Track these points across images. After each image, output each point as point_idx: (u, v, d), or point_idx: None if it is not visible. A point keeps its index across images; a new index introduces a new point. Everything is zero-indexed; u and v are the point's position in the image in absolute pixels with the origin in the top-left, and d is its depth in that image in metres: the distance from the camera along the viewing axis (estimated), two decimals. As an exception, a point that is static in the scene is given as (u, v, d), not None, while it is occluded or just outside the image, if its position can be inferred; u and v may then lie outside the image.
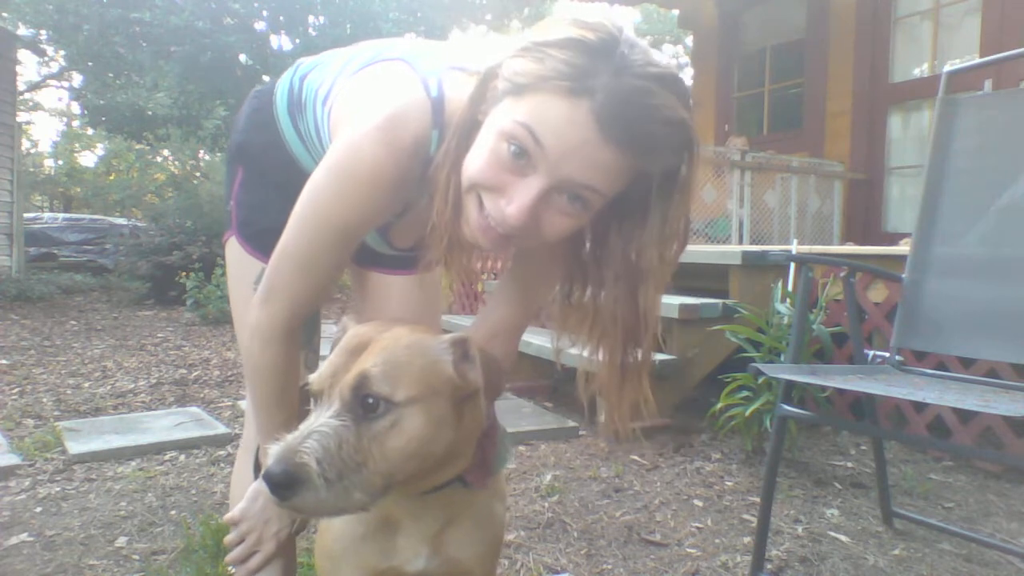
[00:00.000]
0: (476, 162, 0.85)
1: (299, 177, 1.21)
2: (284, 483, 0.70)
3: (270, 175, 1.22)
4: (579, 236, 0.95)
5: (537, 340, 3.22)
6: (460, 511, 0.96)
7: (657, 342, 0.97)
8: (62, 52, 11.59)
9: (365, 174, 0.90)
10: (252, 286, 1.20)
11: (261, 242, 1.20)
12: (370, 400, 0.77)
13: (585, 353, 0.97)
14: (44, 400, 3.47)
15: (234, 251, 1.23)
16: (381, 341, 0.82)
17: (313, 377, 0.81)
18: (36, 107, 22.14)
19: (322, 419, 0.74)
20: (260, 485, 1.10)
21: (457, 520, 0.96)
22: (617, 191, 0.85)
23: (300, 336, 1.07)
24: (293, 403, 1.09)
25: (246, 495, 1.13)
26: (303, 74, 1.15)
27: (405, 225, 1.09)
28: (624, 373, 0.96)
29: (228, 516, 1.14)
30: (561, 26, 0.81)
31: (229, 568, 1.14)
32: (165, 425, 2.97)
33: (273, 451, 0.73)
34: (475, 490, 0.95)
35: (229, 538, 1.13)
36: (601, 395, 0.99)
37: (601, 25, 0.80)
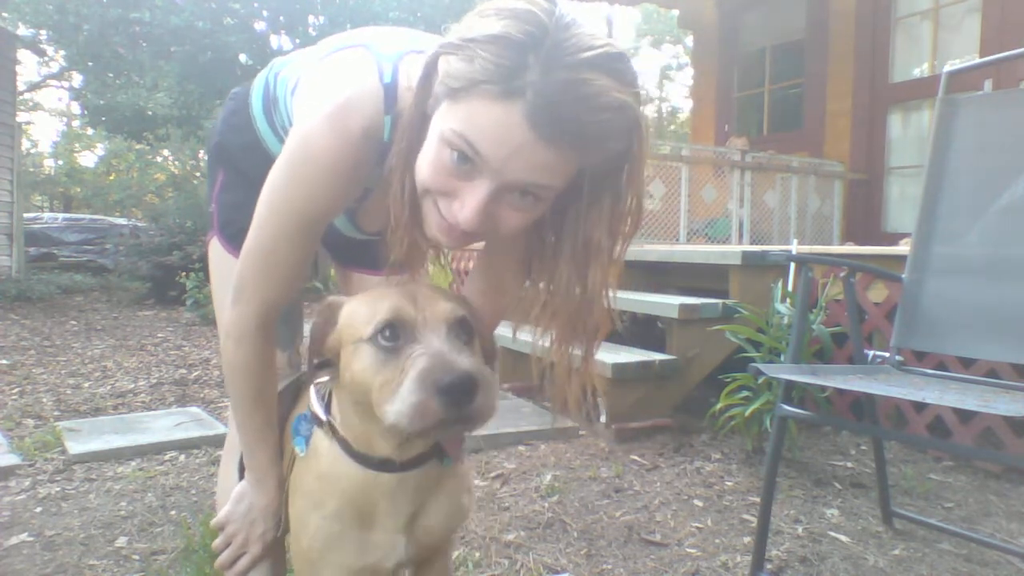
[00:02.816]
0: (424, 169, 0.85)
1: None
2: (468, 386, 0.72)
3: (250, 175, 1.22)
4: (539, 223, 0.95)
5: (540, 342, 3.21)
6: (431, 496, 0.96)
7: (610, 324, 0.97)
8: (62, 52, 11.58)
9: (317, 162, 0.90)
10: None
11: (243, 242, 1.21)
12: (464, 330, 0.83)
13: (537, 336, 0.98)
14: (44, 400, 3.47)
15: (217, 252, 1.23)
16: (428, 289, 0.87)
17: (393, 311, 0.81)
18: (36, 107, 22.16)
19: (438, 342, 0.77)
20: (244, 487, 1.11)
21: (427, 508, 0.96)
22: (567, 181, 0.84)
23: (275, 335, 1.06)
24: (271, 403, 1.08)
25: (231, 498, 1.12)
26: (277, 71, 1.16)
27: (370, 209, 1.09)
28: (572, 356, 0.97)
29: (214, 520, 1.14)
30: (489, 20, 0.78)
31: (222, 572, 1.15)
32: (165, 425, 2.97)
33: (433, 366, 0.74)
34: (450, 466, 0.96)
35: (216, 543, 1.13)
36: (551, 377, 0.99)
37: (530, 14, 0.76)
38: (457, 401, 0.73)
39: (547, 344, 0.97)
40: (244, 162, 1.21)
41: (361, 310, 0.84)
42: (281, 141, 1.15)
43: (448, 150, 0.81)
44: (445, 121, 0.81)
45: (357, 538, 0.92)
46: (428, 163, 0.84)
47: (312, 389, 0.99)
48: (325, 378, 0.97)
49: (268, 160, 1.18)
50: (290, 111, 1.08)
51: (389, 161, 0.90)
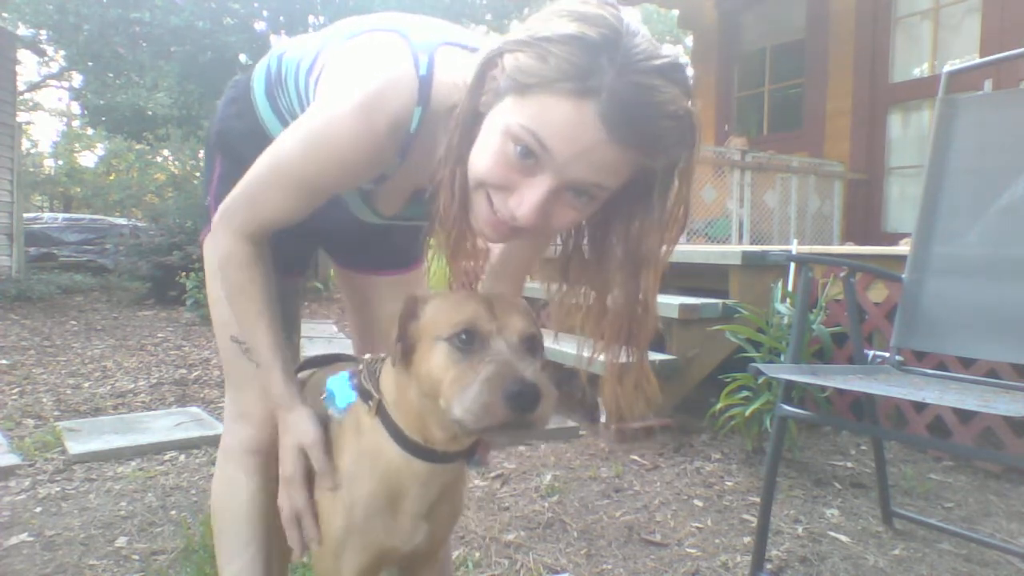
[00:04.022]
0: (483, 161, 0.85)
1: None
2: (532, 395, 0.78)
3: (249, 166, 1.21)
4: (577, 228, 0.96)
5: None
6: (447, 489, 0.99)
7: (657, 329, 0.98)
8: (62, 52, 11.59)
9: (338, 149, 0.90)
10: None
11: None
12: (533, 345, 0.89)
13: (586, 347, 0.98)
14: (44, 400, 3.46)
15: (212, 250, 1.21)
16: (506, 301, 0.92)
17: (471, 318, 0.86)
18: (36, 107, 22.17)
19: (509, 352, 0.83)
20: (287, 438, 1.03)
21: (442, 498, 0.99)
22: (622, 184, 0.85)
23: (266, 256, 1.05)
24: (276, 322, 1.06)
25: (288, 450, 1.03)
26: (280, 53, 1.15)
27: (386, 194, 1.09)
28: (626, 364, 0.97)
29: (282, 473, 1.06)
30: (562, 20, 0.80)
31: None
32: (165, 425, 2.97)
33: (504, 372, 0.79)
34: (475, 467, 1.00)
35: (281, 500, 1.05)
36: (604, 386, 1.00)
37: (602, 18, 0.79)
38: (521, 407, 0.78)
39: (589, 353, 0.98)
40: (244, 150, 1.19)
41: (444, 309, 0.89)
42: (285, 124, 1.13)
43: (512, 144, 0.81)
44: (511, 116, 0.81)
45: (384, 521, 0.96)
46: (488, 156, 0.84)
47: (364, 364, 1.00)
48: (381, 355, 1.00)
49: None
50: (302, 90, 1.07)
51: (440, 154, 0.90)
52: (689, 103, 0.81)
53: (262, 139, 1.16)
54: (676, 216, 0.89)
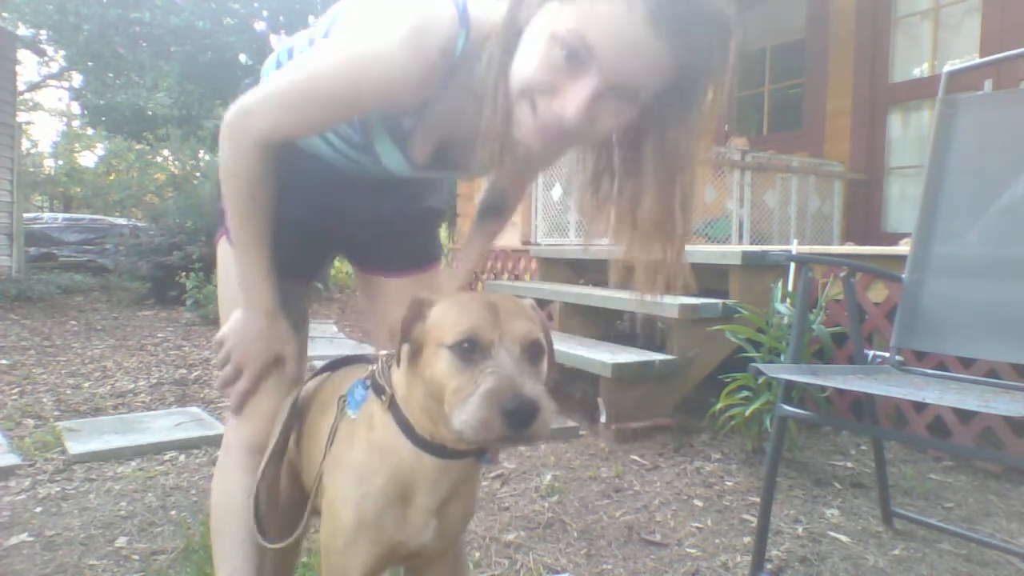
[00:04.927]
0: (528, 67, 0.87)
1: (294, 173, 1.20)
2: (530, 411, 0.79)
3: None
4: (609, 140, 0.98)
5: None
6: (459, 487, 1.00)
7: (691, 233, 1.01)
8: (62, 52, 11.59)
9: (385, 76, 0.91)
10: None
11: None
12: (536, 351, 0.89)
13: (617, 245, 1.00)
14: (44, 400, 3.47)
15: (226, 251, 1.22)
16: (511, 305, 0.91)
17: (474, 326, 0.86)
18: (36, 107, 22.18)
19: (510, 363, 0.84)
20: (240, 312, 1.14)
21: (454, 496, 1.00)
22: (661, 88, 0.87)
23: (273, 159, 1.05)
24: (261, 216, 1.08)
25: (231, 319, 1.15)
26: (288, 48, 1.16)
27: (420, 136, 1.08)
28: (659, 263, 1.00)
29: (216, 337, 1.17)
30: None
31: (220, 393, 1.16)
32: (165, 425, 2.97)
33: (502, 388, 0.80)
34: (486, 464, 1.01)
35: (217, 358, 1.17)
36: (638, 281, 1.02)
37: None
38: (518, 423, 0.79)
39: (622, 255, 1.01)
40: None
41: (449, 315, 0.89)
42: None
43: (558, 49, 0.84)
44: (556, 21, 0.84)
45: (395, 515, 0.96)
46: (533, 62, 0.86)
47: (381, 360, 1.02)
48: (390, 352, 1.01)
49: (282, 147, 1.18)
50: None
51: (480, 70, 0.91)
52: (730, 7, 0.84)
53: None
54: (710, 124, 0.92)
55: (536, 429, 0.81)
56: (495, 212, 1.42)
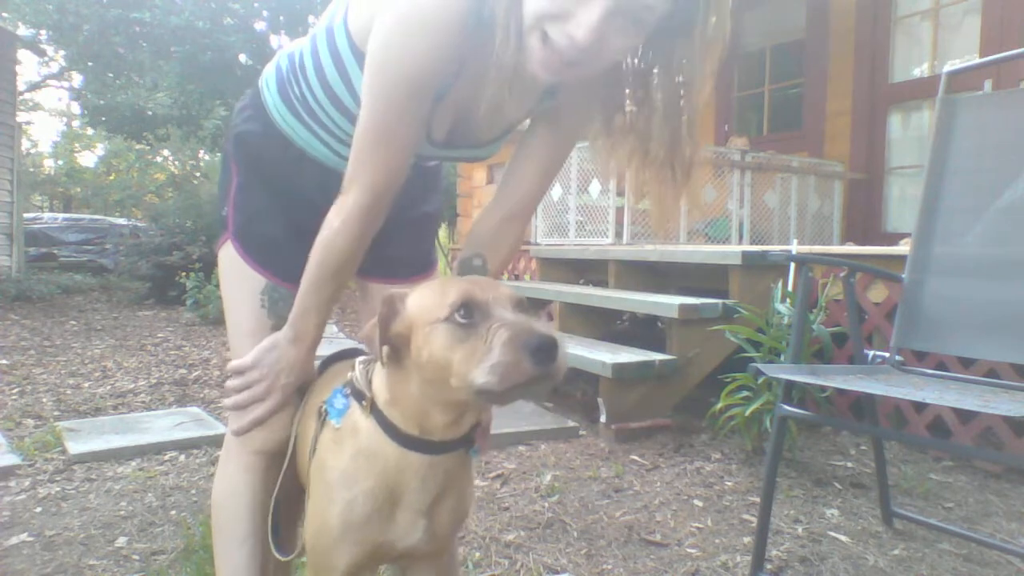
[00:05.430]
0: None
1: (298, 179, 1.20)
2: (552, 346, 0.81)
3: (266, 173, 1.21)
4: (619, 79, 1.01)
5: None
6: (450, 484, 0.99)
7: (705, 159, 1.05)
8: (62, 52, 11.58)
9: (431, 17, 0.92)
10: (259, 297, 1.19)
11: (262, 255, 1.20)
12: (523, 307, 0.90)
13: (634, 175, 1.03)
14: (44, 400, 3.47)
15: (230, 260, 1.22)
16: (485, 279, 0.94)
17: (465, 291, 0.87)
18: (36, 107, 22.16)
19: (512, 315, 0.86)
20: (277, 338, 1.14)
21: (445, 494, 0.99)
22: (669, 8, 0.89)
23: (377, 221, 1.05)
24: (343, 283, 1.10)
25: (261, 345, 1.13)
26: (288, 53, 1.16)
27: (441, 109, 1.08)
28: (670, 183, 1.02)
29: (237, 362, 1.14)
30: None
31: (224, 413, 1.14)
32: (165, 425, 2.97)
33: (520, 331, 0.82)
34: (474, 455, 1.01)
35: (234, 383, 1.14)
36: (651, 201, 1.05)
37: None
38: (544, 359, 0.80)
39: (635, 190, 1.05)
40: (262, 162, 1.21)
41: (431, 296, 0.90)
42: (297, 115, 1.15)
43: None
44: None
45: (384, 514, 0.96)
46: None
47: (358, 367, 1.01)
48: (368, 357, 1.01)
49: (285, 153, 1.18)
50: (337, 34, 1.06)
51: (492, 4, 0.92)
52: None
53: (277, 139, 1.18)
54: (715, 49, 0.93)
55: (560, 364, 0.82)
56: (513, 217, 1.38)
